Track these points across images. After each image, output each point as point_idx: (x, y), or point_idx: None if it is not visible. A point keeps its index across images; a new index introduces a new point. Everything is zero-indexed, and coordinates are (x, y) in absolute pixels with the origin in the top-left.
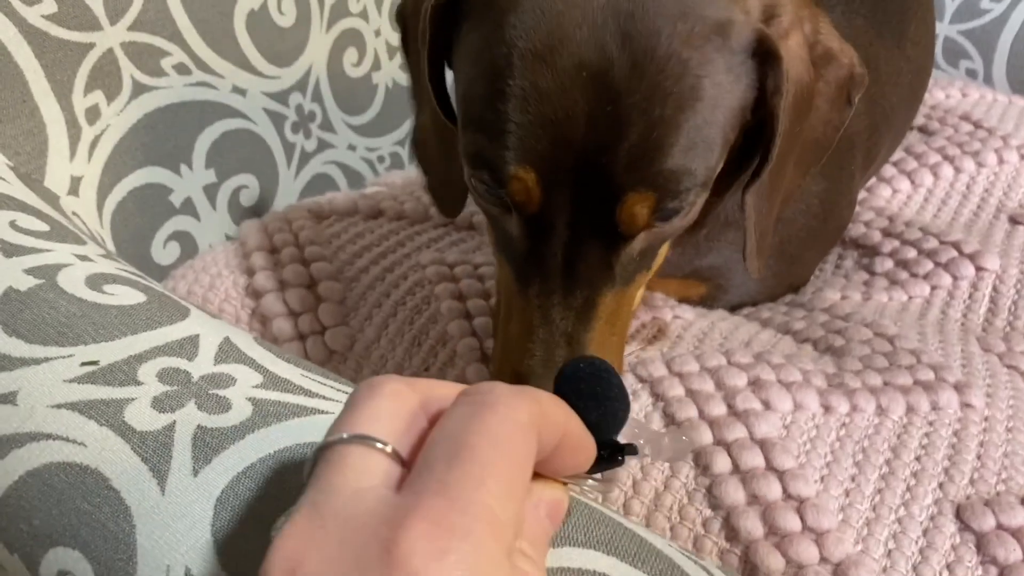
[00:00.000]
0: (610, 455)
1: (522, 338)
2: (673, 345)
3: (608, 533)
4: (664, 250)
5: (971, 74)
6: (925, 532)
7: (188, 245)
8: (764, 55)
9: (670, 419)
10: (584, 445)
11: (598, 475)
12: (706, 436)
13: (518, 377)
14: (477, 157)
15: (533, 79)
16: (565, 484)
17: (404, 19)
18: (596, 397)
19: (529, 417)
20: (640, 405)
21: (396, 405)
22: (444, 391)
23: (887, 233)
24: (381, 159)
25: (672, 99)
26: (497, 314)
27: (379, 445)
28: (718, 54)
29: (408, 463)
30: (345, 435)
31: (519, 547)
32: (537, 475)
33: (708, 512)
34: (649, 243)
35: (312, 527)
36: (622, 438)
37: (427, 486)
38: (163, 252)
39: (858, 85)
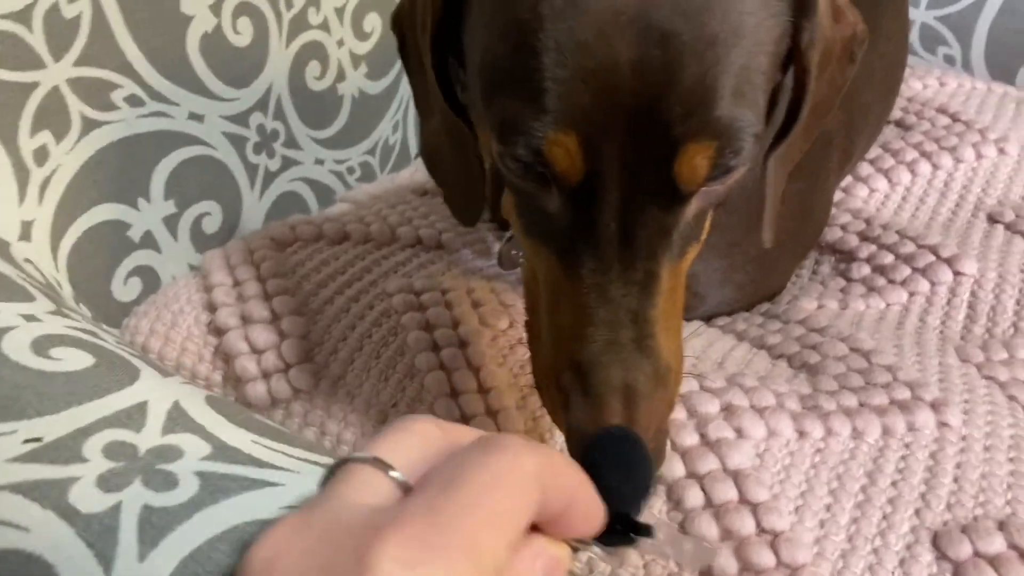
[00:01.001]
0: (624, 531)
1: (578, 323)
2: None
3: None
4: (710, 221)
5: (949, 60)
6: (902, 563)
7: (150, 279)
8: (801, 4)
9: None
10: (593, 514)
11: (609, 548)
12: (679, 469)
13: (579, 368)
14: (507, 126)
15: (566, 27)
16: (573, 548)
17: (400, 25)
18: (620, 467)
19: (536, 468)
20: None
21: (421, 444)
22: (472, 439)
23: (864, 237)
24: (351, 170)
25: (720, 39)
26: (532, 310)
27: (392, 472)
28: None
29: None
30: (362, 455)
31: None
32: (544, 534)
33: None
34: (701, 208)
35: (300, 526)
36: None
37: (415, 505)
38: (124, 289)
39: (860, 43)
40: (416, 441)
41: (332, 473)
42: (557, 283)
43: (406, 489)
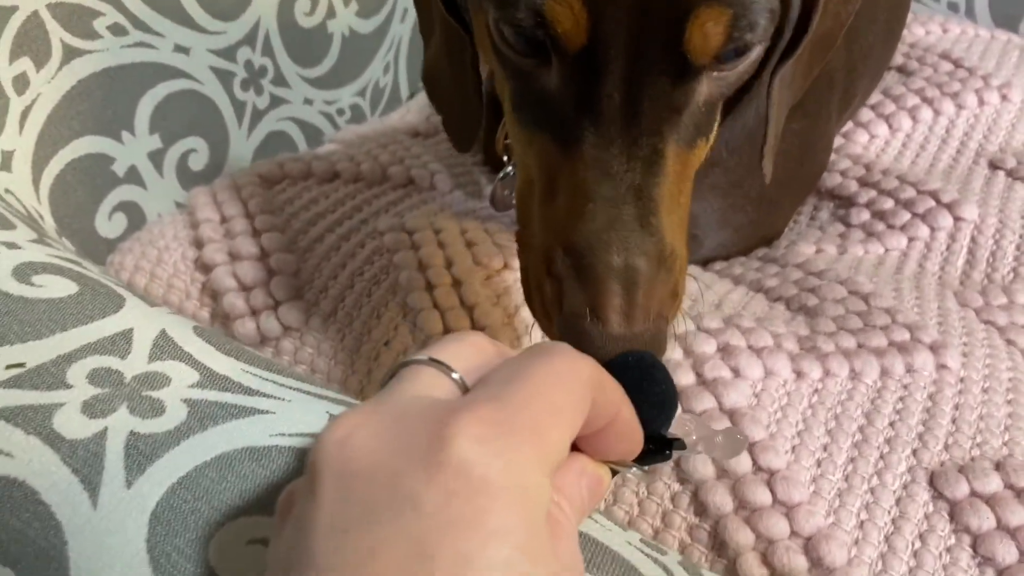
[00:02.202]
0: (657, 449)
1: (576, 202)
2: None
3: None
4: (718, 123)
5: (952, 7)
6: (898, 501)
7: (135, 216)
8: None
9: None
10: (633, 434)
11: (644, 467)
12: None
13: (575, 250)
14: None
15: None
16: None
17: None
18: (643, 390)
19: (590, 375)
20: None
21: (477, 353)
22: None
23: (864, 183)
24: (340, 112)
25: None
26: (525, 215)
27: (452, 374)
28: None
29: None
30: (419, 357)
31: (556, 500)
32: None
33: (676, 487)
34: (711, 96)
35: (370, 412)
36: (674, 430)
37: (481, 394)
38: (108, 225)
39: None
40: (472, 351)
41: (392, 375)
42: (554, 167)
43: (465, 389)
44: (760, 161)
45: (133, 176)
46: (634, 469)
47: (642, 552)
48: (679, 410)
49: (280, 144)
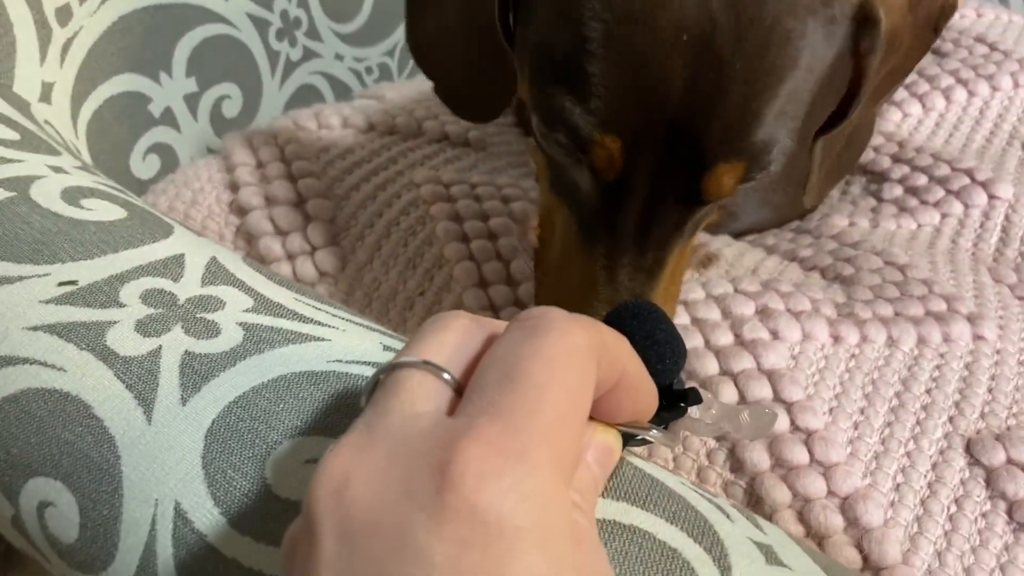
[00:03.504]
0: (670, 404)
1: (584, 295)
2: (729, 269)
3: (617, 477)
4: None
5: None
6: (934, 466)
7: (168, 158)
8: (864, 19)
9: None
10: (645, 388)
11: (663, 428)
12: (712, 366)
13: None
14: (554, 115)
15: (628, 42)
16: (628, 437)
17: None
18: (647, 339)
19: (587, 342)
20: None
21: (462, 340)
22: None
23: (897, 159)
24: (369, 70)
25: (772, 71)
26: (544, 244)
27: (439, 372)
28: (820, 24)
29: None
30: (406, 359)
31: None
32: (589, 419)
33: (712, 443)
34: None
35: (362, 446)
36: (697, 410)
37: (479, 408)
38: (142, 165)
39: (947, 15)
40: (455, 338)
41: (377, 382)
42: (571, 247)
43: (458, 388)
44: (803, 187)
45: (168, 118)
46: (653, 431)
47: (696, 492)
48: (699, 391)
49: (310, 97)
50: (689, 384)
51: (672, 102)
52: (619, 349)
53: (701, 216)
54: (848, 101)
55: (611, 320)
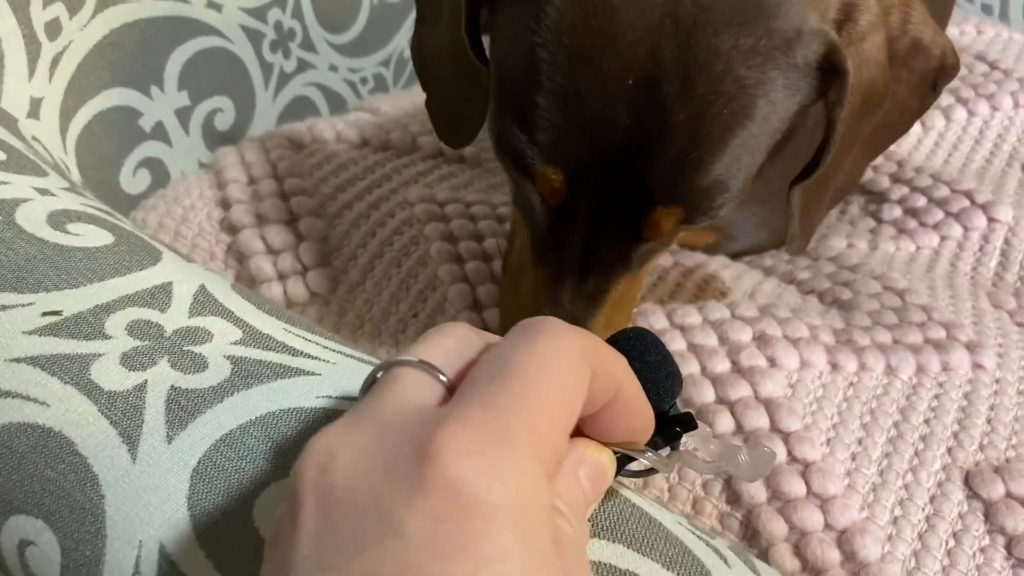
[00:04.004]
0: (665, 430)
1: (529, 307)
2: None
3: (614, 516)
4: (680, 235)
5: (986, 9)
6: (932, 499)
7: (159, 173)
8: (830, 67)
9: None
10: (641, 408)
11: (656, 451)
12: (708, 394)
13: None
14: (505, 144)
15: (574, 79)
16: (623, 460)
17: None
18: (643, 364)
19: (582, 348)
20: None
21: (460, 345)
22: None
23: (896, 179)
24: (364, 81)
25: (720, 120)
26: (509, 252)
27: (435, 373)
28: (778, 71)
29: None
30: (403, 358)
31: (556, 505)
32: (584, 436)
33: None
34: (668, 239)
35: (351, 426)
36: (696, 445)
37: (468, 398)
38: (132, 180)
39: (947, 74)
40: (455, 343)
41: (374, 378)
42: (525, 264)
43: (450, 388)
44: (787, 235)
45: (159, 132)
46: (648, 453)
47: (693, 534)
48: (697, 424)
49: (304, 109)
50: (684, 411)
51: (614, 143)
52: (616, 364)
53: (645, 251)
54: (822, 153)
55: (614, 346)
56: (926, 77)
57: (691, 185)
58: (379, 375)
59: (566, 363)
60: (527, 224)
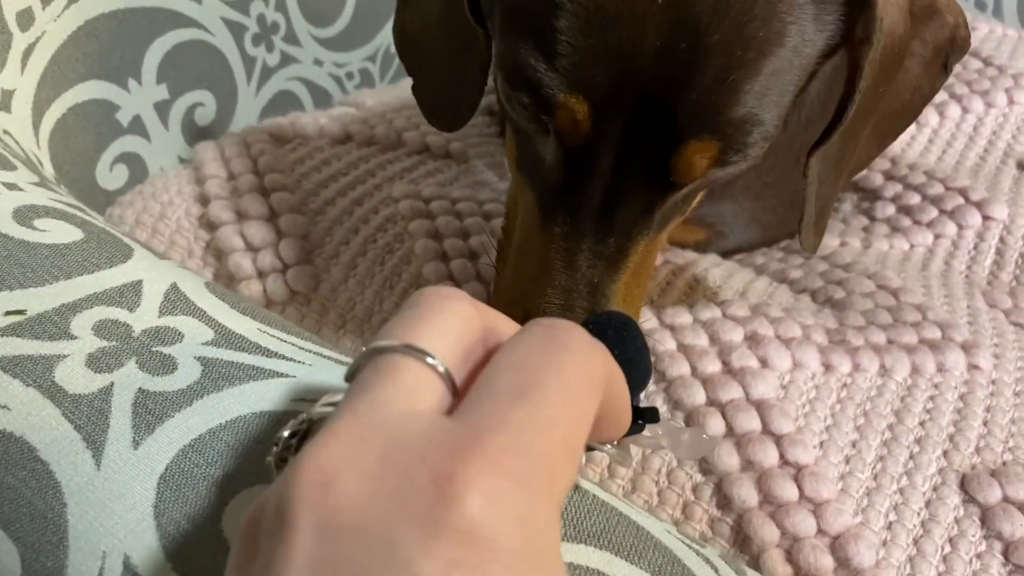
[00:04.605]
0: (633, 424)
1: (539, 279)
2: (717, 291)
3: (601, 523)
4: (701, 194)
5: (980, 6)
6: (928, 504)
7: (137, 168)
8: (856, 2)
9: (660, 375)
10: (624, 412)
11: (614, 442)
12: (699, 395)
13: (527, 319)
14: (518, 73)
15: (600, 1)
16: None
17: None
18: (621, 353)
19: (602, 372)
20: None
21: (463, 327)
22: (507, 328)
23: (889, 176)
24: (350, 76)
25: (755, 43)
26: (507, 233)
27: (437, 366)
28: (809, 2)
29: (460, 394)
30: (402, 344)
31: None
32: None
33: (699, 477)
34: (695, 189)
35: (352, 439)
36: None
37: (487, 418)
38: (109, 176)
39: (958, 50)
40: (457, 324)
41: (362, 364)
42: (532, 229)
43: (453, 386)
44: (798, 224)
45: (137, 126)
46: (607, 447)
47: (683, 543)
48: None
49: (288, 104)
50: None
51: (643, 69)
52: (620, 383)
53: (670, 206)
54: (844, 107)
55: (593, 329)
56: (939, 51)
57: (726, 114)
58: (375, 357)
59: (589, 391)
60: (534, 187)
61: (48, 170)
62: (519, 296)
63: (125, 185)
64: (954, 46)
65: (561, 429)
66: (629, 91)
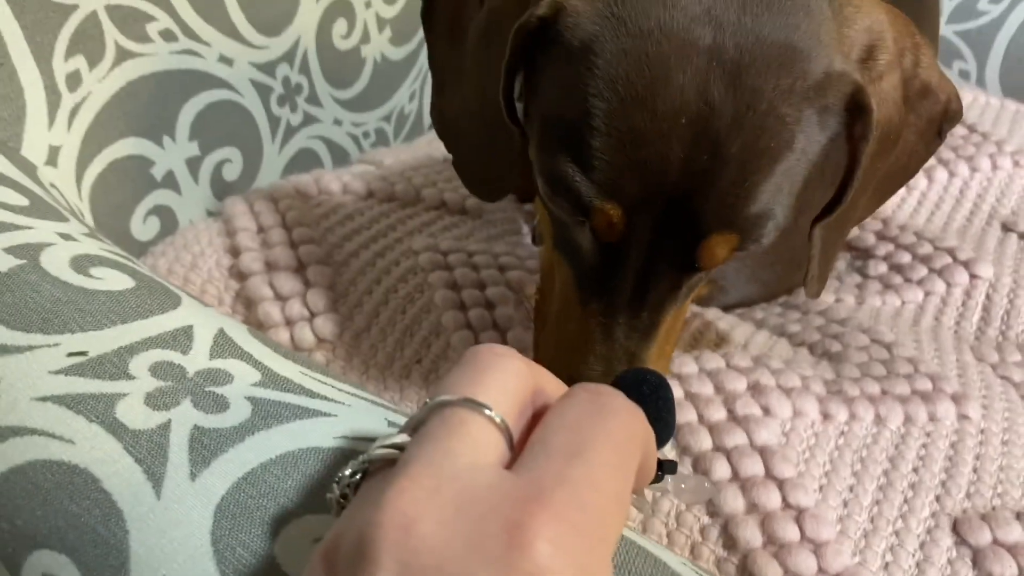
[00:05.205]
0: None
1: (581, 348)
2: (720, 343)
3: (621, 555)
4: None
5: (964, 75)
6: (922, 545)
7: (168, 220)
8: (856, 106)
9: None
10: (651, 467)
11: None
12: (705, 441)
13: (571, 383)
14: (558, 180)
15: (629, 122)
16: None
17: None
18: (651, 410)
19: (643, 438)
20: None
21: (517, 385)
22: (553, 387)
23: (881, 236)
24: (366, 135)
25: (768, 151)
26: (544, 296)
27: (498, 420)
28: (812, 110)
29: (516, 448)
30: (466, 398)
31: None
32: None
33: (706, 519)
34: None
35: (428, 487)
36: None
37: (548, 474)
38: (143, 227)
39: (951, 120)
40: (514, 383)
41: (428, 416)
42: (570, 301)
43: (509, 438)
44: (794, 267)
45: (170, 181)
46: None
47: (696, 574)
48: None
49: (308, 161)
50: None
51: (670, 178)
52: (651, 440)
53: (695, 282)
54: (844, 189)
55: (622, 384)
56: (932, 122)
57: (744, 212)
58: (443, 410)
59: (633, 450)
60: (572, 265)
61: (88, 221)
62: (563, 362)
63: (156, 236)
64: (947, 116)
65: (612, 485)
66: (658, 196)
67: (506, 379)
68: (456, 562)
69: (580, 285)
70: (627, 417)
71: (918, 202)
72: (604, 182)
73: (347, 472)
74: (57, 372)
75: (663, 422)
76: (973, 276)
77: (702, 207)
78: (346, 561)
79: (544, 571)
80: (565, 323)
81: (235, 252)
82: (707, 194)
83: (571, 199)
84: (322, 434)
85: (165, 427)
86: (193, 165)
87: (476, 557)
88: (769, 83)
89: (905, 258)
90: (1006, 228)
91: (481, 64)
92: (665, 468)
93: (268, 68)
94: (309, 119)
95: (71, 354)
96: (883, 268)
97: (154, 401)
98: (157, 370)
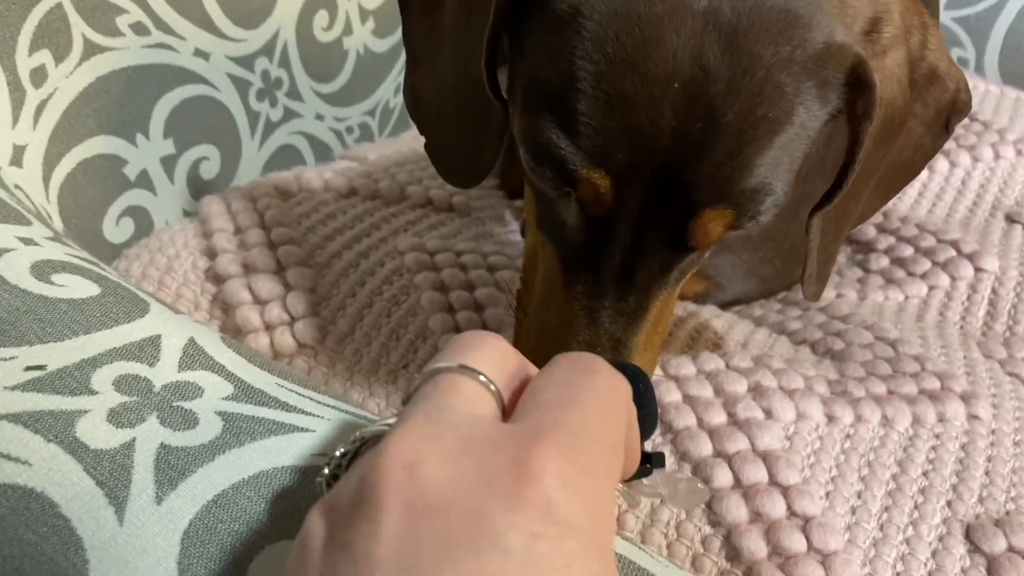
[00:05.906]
0: (640, 467)
1: (563, 334)
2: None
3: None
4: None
5: (962, 63)
6: (934, 554)
7: (143, 221)
8: (857, 80)
9: (667, 427)
10: (635, 450)
11: (621, 484)
12: (706, 447)
13: None
14: (542, 149)
15: (619, 85)
16: None
17: None
18: (639, 405)
19: (627, 393)
20: None
21: (503, 360)
22: (535, 371)
23: (882, 229)
24: (350, 130)
25: (765, 122)
26: (527, 283)
27: (490, 385)
28: (813, 83)
29: (506, 415)
30: (459, 364)
31: None
32: None
33: (708, 529)
34: (708, 250)
35: (428, 433)
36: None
37: (545, 422)
38: (116, 229)
39: (959, 112)
40: (499, 356)
41: (421, 383)
42: (553, 285)
43: (501, 402)
44: (800, 276)
45: (144, 181)
46: (619, 486)
47: None
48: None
49: (290, 158)
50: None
51: (661, 145)
52: (634, 418)
53: (687, 264)
54: (845, 173)
55: None
56: (940, 113)
57: (739, 185)
58: (436, 376)
59: (621, 405)
60: (556, 246)
61: (57, 224)
62: (544, 349)
63: (131, 238)
64: (955, 108)
65: (606, 432)
66: (648, 166)
67: (494, 355)
68: (464, 500)
69: (565, 267)
70: (610, 376)
71: (919, 193)
72: (591, 148)
73: (339, 452)
74: (13, 388)
75: (645, 410)
76: (978, 269)
77: (695, 179)
78: (347, 509)
79: (554, 504)
80: (548, 309)
81: (212, 254)
82: (700, 165)
83: (556, 168)
84: (299, 452)
85: (129, 446)
86: (168, 164)
87: (485, 493)
88: (768, 49)
89: (907, 251)
90: (1010, 219)
91: (461, 35)
92: (653, 460)
93: (246, 62)
94: (290, 114)
95: (29, 368)
96: (885, 262)
97: (117, 418)
98: (121, 384)
